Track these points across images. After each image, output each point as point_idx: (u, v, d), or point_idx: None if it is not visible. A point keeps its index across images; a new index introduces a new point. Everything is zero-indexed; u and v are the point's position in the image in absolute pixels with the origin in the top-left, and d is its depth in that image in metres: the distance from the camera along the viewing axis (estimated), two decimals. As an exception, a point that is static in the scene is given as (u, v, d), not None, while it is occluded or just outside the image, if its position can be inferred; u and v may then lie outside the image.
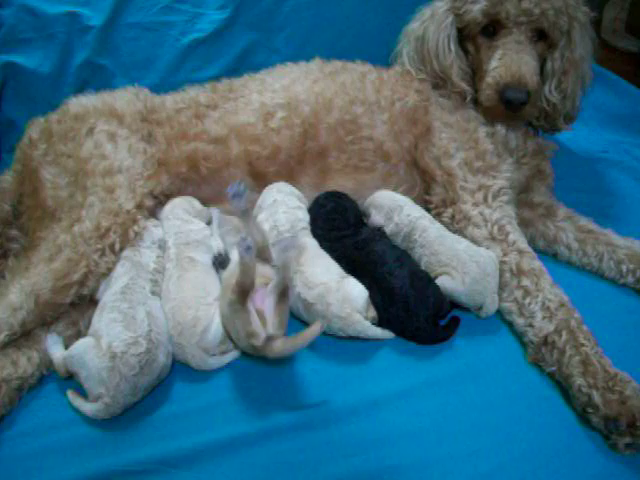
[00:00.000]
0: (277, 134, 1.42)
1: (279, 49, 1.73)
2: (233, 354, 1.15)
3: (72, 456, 1.01)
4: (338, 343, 1.18)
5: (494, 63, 1.40)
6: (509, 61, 1.38)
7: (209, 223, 1.38)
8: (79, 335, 1.17)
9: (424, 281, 1.20)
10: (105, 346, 1.05)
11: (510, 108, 1.40)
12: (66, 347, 1.13)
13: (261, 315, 1.06)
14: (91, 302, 1.20)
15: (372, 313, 1.18)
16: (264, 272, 1.14)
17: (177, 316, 1.13)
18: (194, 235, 1.29)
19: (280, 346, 1.04)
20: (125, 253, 1.24)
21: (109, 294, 1.16)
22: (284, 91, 1.47)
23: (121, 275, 1.20)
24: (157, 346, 1.09)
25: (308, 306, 1.17)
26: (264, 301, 1.08)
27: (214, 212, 1.40)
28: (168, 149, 1.40)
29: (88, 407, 1.05)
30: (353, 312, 1.15)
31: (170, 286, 1.19)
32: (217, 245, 1.30)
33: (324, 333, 1.15)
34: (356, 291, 1.17)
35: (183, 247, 1.25)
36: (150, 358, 1.06)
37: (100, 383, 1.03)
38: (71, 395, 1.09)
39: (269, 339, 1.04)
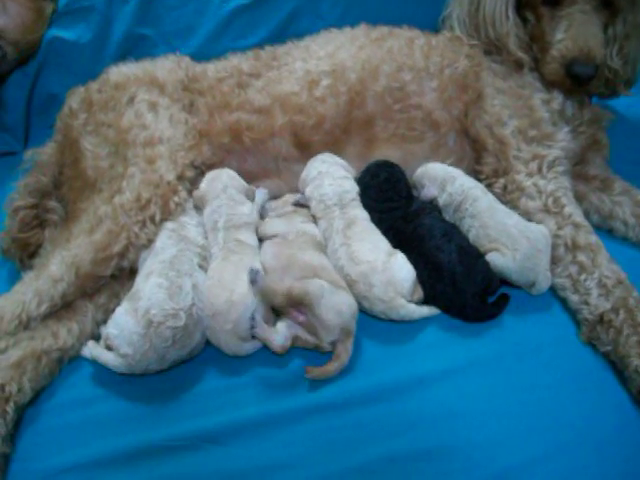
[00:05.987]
0: (322, 103, 1.37)
1: (323, 15, 1.67)
2: None
3: (110, 429, 1.00)
4: (382, 319, 1.14)
5: (559, 35, 1.33)
6: (576, 34, 1.31)
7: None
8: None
9: (472, 256, 1.15)
10: (142, 310, 1.03)
11: (577, 82, 1.32)
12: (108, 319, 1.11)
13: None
14: (131, 274, 1.18)
15: (418, 294, 1.14)
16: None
17: (211, 296, 1.08)
18: (246, 218, 1.23)
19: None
20: (170, 226, 1.21)
21: (157, 261, 1.13)
22: (329, 58, 1.42)
23: (169, 246, 1.16)
24: (196, 323, 1.06)
25: (351, 283, 1.13)
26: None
27: (260, 193, 1.33)
28: (210, 119, 1.37)
29: (109, 357, 1.04)
30: (397, 296, 1.10)
31: (213, 265, 1.14)
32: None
33: (366, 312, 1.13)
34: (403, 273, 1.12)
35: (233, 230, 1.20)
36: (186, 333, 1.04)
37: (129, 344, 1.02)
38: (91, 343, 1.08)
39: None
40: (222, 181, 1.29)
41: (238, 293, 1.07)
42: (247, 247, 1.18)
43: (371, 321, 1.14)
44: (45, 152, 1.37)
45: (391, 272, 1.12)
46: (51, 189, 1.34)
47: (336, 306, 1.05)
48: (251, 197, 1.31)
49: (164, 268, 1.11)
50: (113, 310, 1.15)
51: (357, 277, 1.13)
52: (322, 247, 1.21)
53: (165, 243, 1.18)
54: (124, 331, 1.03)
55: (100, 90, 1.35)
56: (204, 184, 1.30)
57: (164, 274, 1.09)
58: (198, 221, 1.25)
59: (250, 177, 1.36)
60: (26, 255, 1.27)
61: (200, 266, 1.15)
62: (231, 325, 1.05)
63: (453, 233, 1.21)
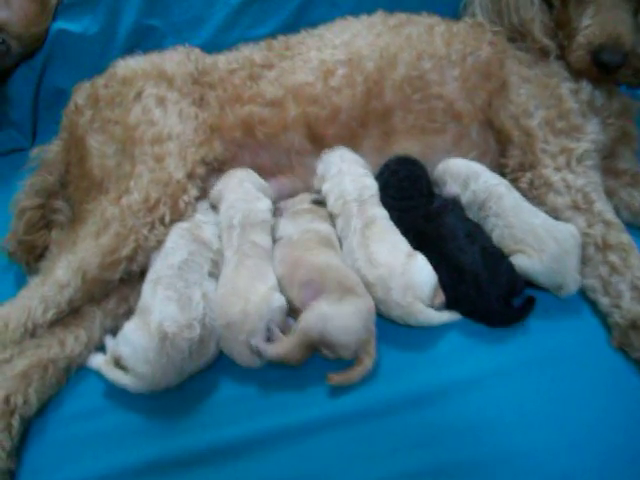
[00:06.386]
0: (338, 93, 1.31)
1: (338, 3, 1.60)
2: None
3: (119, 442, 0.96)
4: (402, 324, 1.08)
5: (586, 21, 1.26)
6: (603, 19, 1.24)
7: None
8: (130, 312, 1.12)
9: (496, 258, 1.10)
10: (155, 324, 0.98)
11: (604, 71, 1.25)
12: (118, 326, 1.07)
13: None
14: (141, 277, 1.14)
15: (440, 298, 1.08)
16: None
17: (225, 305, 1.03)
18: (262, 215, 1.18)
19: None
20: (184, 224, 1.16)
21: (165, 267, 1.08)
22: (345, 47, 1.36)
23: (180, 247, 1.12)
24: (210, 333, 1.01)
25: (368, 286, 1.07)
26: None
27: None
28: (221, 113, 1.32)
29: (127, 380, 0.98)
30: (415, 301, 1.04)
31: (226, 272, 1.09)
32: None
33: (383, 317, 1.08)
34: (423, 276, 1.06)
35: (249, 229, 1.15)
36: (201, 344, 0.99)
37: (145, 362, 0.97)
38: (105, 366, 1.02)
39: None
40: (238, 176, 1.25)
41: (253, 302, 1.02)
42: (262, 250, 1.13)
43: (390, 325, 1.08)
44: (51, 150, 1.33)
45: (410, 275, 1.06)
46: (58, 188, 1.30)
47: (345, 324, 0.99)
48: (268, 194, 1.25)
49: (172, 277, 1.06)
50: (122, 315, 1.13)
51: (375, 280, 1.07)
52: (330, 243, 1.16)
53: (177, 243, 1.13)
54: (138, 349, 0.97)
55: (106, 85, 1.30)
56: (220, 181, 1.26)
57: (172, 285, 1.04)
58: (214, 220, 1.21)
59: (263, 173, 1.30)
60: (32, 258, 1.23)
61: (210, 274, 1.10)
62: (245, 336, 1.00)
63: (476, 233, 1.15)
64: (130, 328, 1.01)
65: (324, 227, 1.20)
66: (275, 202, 1.26)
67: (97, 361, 1.06)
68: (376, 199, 1.21)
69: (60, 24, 1.57)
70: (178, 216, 1.17)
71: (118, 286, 1.13)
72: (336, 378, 0.98)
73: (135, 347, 0.98)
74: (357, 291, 1.05)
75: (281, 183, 1.32)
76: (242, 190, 1.22)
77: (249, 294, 1.03)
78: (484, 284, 1.06)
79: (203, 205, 1.24)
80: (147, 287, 1.07)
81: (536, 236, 1.10)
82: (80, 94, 1.32)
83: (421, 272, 1.07)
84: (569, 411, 0.96)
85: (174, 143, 1.21)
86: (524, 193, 1.22)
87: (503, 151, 1.31)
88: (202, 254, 1.12)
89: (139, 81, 1.28)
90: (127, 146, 1.20)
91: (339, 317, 1.00)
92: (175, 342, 0.97)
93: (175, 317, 0.99)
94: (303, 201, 1.27)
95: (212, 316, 1.03)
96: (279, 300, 1.04)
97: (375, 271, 1.08)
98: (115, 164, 1.20)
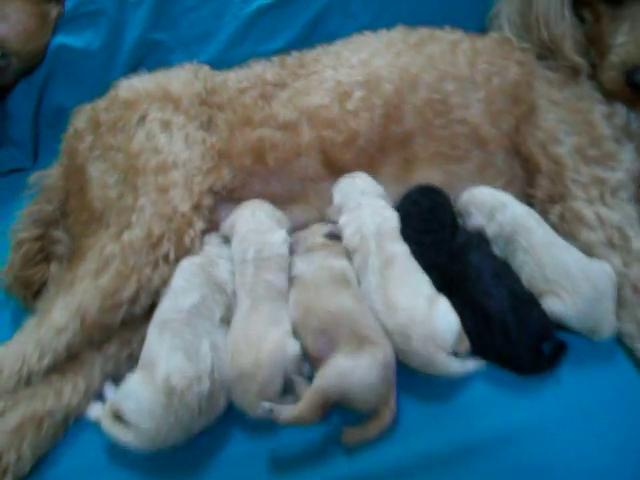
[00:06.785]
0: (355, 117, 1.23)
1: (355, 14, 1.50)
2: None
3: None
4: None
5: (621, 38, 1.16)
6: (639, 37, 1.14)
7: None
8: (133, 356, 1.05)
9: (526, 303, 1.01)
10: (161, 377, 0.91)
11: (639, 93, 1.16)
12: (120, 371, 1.02)
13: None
14: (145, 318, 1.06)
15: (464, 345, 1.00)
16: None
17: (236, 355, 0.96)
18: (277, 249, 1.10)
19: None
20: (197, 259, 1.09)
21: (173, 310, 1.01)
22: (363, 66, 1.27)
23: (192, 288, 1.04)
24: (220, 388, 0.94)
25: (387, 333, 1.00)
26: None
27: None
28: (231, 137, 1.24)
29: (130, 437, 0.91)
30: (438, 351, 0.97)
31: (238, 316, 1.02)
32: None
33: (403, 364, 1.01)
34: (445, 324, 0.99)
35: (263, 266, 1.07)
36: (211, 400, 0.92)
37: (151, 419, 0.89)
38: (105, 421, 0.94)
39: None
40: (250, 206, 1.17)
41: (266, 351, 0.95)
42: (277, 291, 1.05)
43: (408, 373, 1.00)
44: (51, 175, 1.26)
45: (432, 323, 0.98)
46: (58, 217, 1.23)
47: (364, 380, 0.91)
48: (283, 225, 1.17)
49: (180, 323, 0.98)
50: (125, 359, 1.07)
51: (394, 328, 0.99)
52: (345, 280, 1.08)
53: (189, 282, 1.05)
54: (143, 404, 0.90)
55: (108, 109, 1.22)
56: (233, 213, 1.18)
57: (179, 333, 0.97)
58: (228, 254, 1.13)
59: (275, 202, 1.22)
60: (30, 294, 1.17)
61: (222, 320, 1.03)
62: (258, 387, 0.93)
63: (504, 273, 1.07)
64: (134, 381, 0.94)
65: (339, 263, 1.12)
66: (291, 233, 1.19)
67: (96, 412, 0.99)
68: (396, 233, 1.13)
69: (61, 39, 1.50)
70: (183, 252, 1.10)
71: (120, 328, 1.06)
72: (352, 435, 0.92)
73: (140, 402, 0.91)
74: (374, 339, 0.97)
75: (294, 213, 1.23)
76: (254, 221, 1.14)
77: (262, 342, 0.96)
78: (513, 332, 0.98)
79: (215, 239, 1.17)
80: (153, 332, 1.00)
81: (569, 276, 1.02)
82: (80, 118, 1.24)
83: (444, 319, 0.99)
84: (606, 473, 0.90)
85: (179, 172, 1.13)
86: (554, 226, 1.14)
87: (531, 180, 1.22)
88: (215, 298, 1.05)
89: (143, 104, 1.20)
90: (129, 176, 1.13)
91: (358, 373, 0.92)
92: (184, 398, 0.90)
93: (183, 369, 0.92)
94: (316, 233, 1.19)
95: (221, 367, 0.96)
96: (293, 348, 0.98)
97: (394, 318, 1.00)
98: (116, 195, 1.13)
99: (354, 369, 0.92)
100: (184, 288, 1.05)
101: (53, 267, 1.18)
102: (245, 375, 0.94)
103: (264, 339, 0.96)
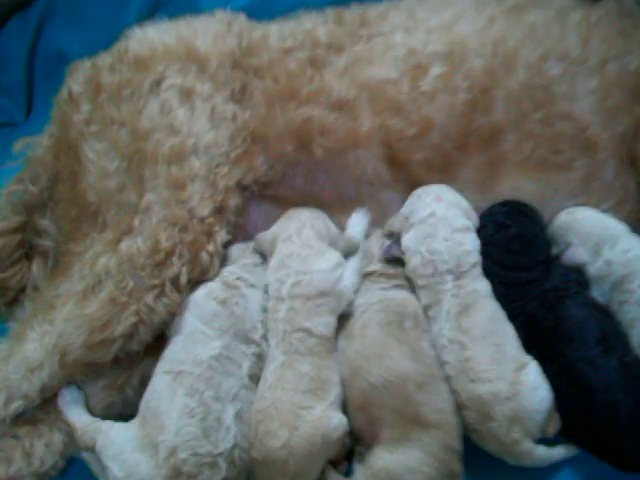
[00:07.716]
0: (430, 101, 0.96)
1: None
2: None
3: None
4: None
5: None
6: None
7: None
8: (125, 403, 0.82)
9: (640, 379, 0.80)
10: (166, 449, 0.71)
11: None
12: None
13: None
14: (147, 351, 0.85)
15: (554, 426, 0.80)
16: None
17: (262, 433, 0.74)
18: (320, 280, 0.84)
19: None
20: (218, 290, 0.85)
21: (189, 359, 0.78)
22: (444, 31, 1.00)
23: (213, 336, 0.80)
24: (240, 473, 0.74)
25: (459, 405, 0.80)
26: None
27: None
28: (269, 114, 0.97)
29: None
30: (524, 439, 0.77)
31: (268, 375, 0.79)
32: None
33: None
34: (536, 402, 0.79)
35: (301, 307, 0.82)
36: None
37: None
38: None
39: None
40: (300, 219, 0.92)
41: (303, 434, 0.73)
42: (318, 344, 0.81)
43: (481, 457, 0.81)
44: (39, 144, 1.01)
45: (519, 401, 0.78)
46: (44, 200, 0.99)
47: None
48: (341, 248, 0.91)
49: (199, 381, 0.76)
50: (113, 406, 0.83)
51: (470, 402, 0.80)
52: (404, 321, 0.84)
53: (209, 325, 0.82)
54: (134, 477, 0.71)
55: (113, 68, 0.95)
56: (277, 223, 0.93)
57: (197, 394, 0.75)
58: (263, 279, 0.88)
59: (318, 205, 0.97)
60: (3, 302, 0.93)
61: (251, 376, 0.80)
62: (292, 471, 0.73)
63: (613, 337, 0.83)
64: (129, 445, 0.74)
65: (402, 296, 0.88)
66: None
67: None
68: (479, 269, 0.88)
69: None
70: (199, 274, 0.86)
71: (112, 365, 0.84)
72: None
73: (131, 473, 0.72)
74: (428, 420, 0.77)
75: (342, 223, 0.97)
76: (300, 240, 0.88)
77: (297, 420, 0.74)
78: (621, 416, 0.77)
79: (246, 254, 0.92)
80: (163, 379, 0.78)
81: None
82: (76, 77, 0.97)
83: (534, 395, 0.80)
84: None
85: (201, 160, 0.89)
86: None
87: None
88: (242, 349, 0.81)
89: (158, 64, 0.94)
90: (135, 162, 0.88)
91: (405, 474, 0.73)
92: None
93: (194, 446, 0.72)
94: (374, 248, 0.93)
95: (245, 447, 0.75)
96: (338, 428, 0.76)
97: (472, 389, 0.80)
98: (116, 187, 0.88)
99: (401, 468, 0.73)
100: (203, 332, 0.81)
101: (35, 267, 0.97)
102: (273, 462, 0.75)
103: (300, 416, 0.74)
